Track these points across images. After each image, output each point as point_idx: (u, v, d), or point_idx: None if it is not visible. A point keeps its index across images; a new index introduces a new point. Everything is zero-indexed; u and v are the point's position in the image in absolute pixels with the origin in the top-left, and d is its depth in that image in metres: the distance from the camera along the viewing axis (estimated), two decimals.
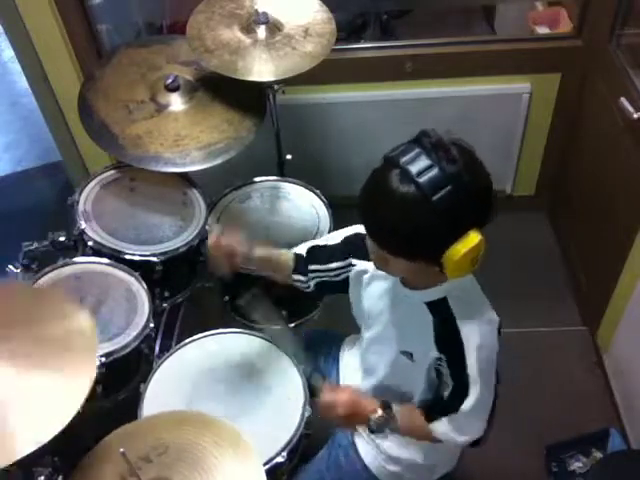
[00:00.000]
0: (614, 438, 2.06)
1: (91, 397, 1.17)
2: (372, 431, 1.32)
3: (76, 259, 1.77)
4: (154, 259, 1.78)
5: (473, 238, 1.05)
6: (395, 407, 1.33)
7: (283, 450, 1.45)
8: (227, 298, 1.98)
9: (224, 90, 1.93)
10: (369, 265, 1.33)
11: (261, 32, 1.86)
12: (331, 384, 1.45)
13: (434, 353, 1.23)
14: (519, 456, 2.06)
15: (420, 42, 2.43)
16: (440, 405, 1.29)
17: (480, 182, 1.07)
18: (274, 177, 2.13)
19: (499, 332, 1.24)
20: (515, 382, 2.14)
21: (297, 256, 1.49)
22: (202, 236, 1.89)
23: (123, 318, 1.67)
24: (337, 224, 1.96)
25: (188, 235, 1.87)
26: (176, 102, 1.91)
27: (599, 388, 2.27)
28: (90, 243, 1.77)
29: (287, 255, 1.50)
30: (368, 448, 1.49)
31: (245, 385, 1.58)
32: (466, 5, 3.01)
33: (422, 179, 1.01)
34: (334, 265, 1.44)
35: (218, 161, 1.82)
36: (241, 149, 1.84)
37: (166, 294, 1.90)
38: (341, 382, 1.62)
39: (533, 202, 2.85)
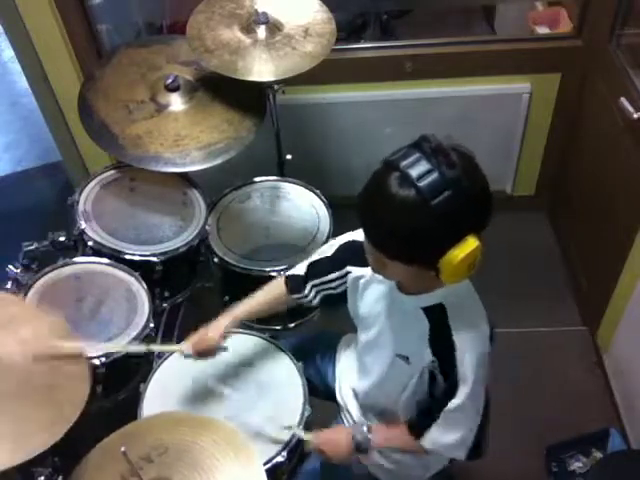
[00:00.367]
0: (614, 438, 2.06)
1: (91, 397, 1.17)
2: (358, 450, 1.38)
3: (76, 259, 1.77)
4: (154, 259, 1.78)
5: (471, 243, 1.05)
6: (372, 424, 1.39)
7: (283, 450, 1.45)
8: (227, 298, 1.98)
9: (224, 90, 1.93)
10: (365, 271, 1.34)
11: (261, 32, 1.86)
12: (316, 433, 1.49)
13: (429, 356, 1.24)
14: (519, 456, 2.06)
15: (420, 42, 2.43)
16: (424, 413, 1.31)
17: (479, 187, 1.07)
18: (274, 177, 2.13)
19: (492, 339, 1.25)
20: (515, 382, 2.15)
21: (288, 278, 1.52)
22: (202, 236, 1.89)
23: (123, 318, 1.67)
24: (337, 224, 1.96)
25: (188, 235, 1.87)
26: (176, 102, 1.91)
27: (599, 388, 2.27)
28: (90, 243, 1.77)
29: (275, 285, 1.54)
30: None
31: (245, 385, 1.58)
32: (466, 5, 3.01)
33: (422, 183, 1.01)
34: (333, 276, 1.44)
35: (218, 161, 1.82)
36: (241, 149, 1.85)
37: (166, 294, 1.90)
38: (337, 382, 1.62)
39: (533, 202, 2.85)
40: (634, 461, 1.88)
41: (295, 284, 1.50)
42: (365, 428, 1.38)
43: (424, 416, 1.31)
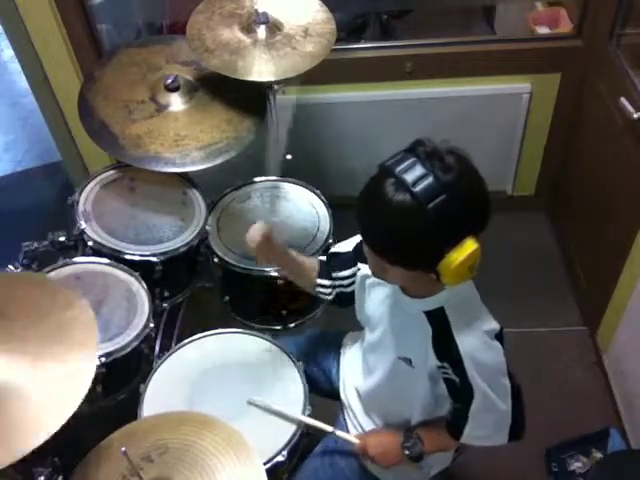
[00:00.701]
0: (614, 438, 2.06)
1: (91, 397, 1.17)
2: (412, 459, 1.37)
3: (76, 259, 1.77)
4: (154, 259, 1.78)
5: (469, 246, 1.06)
6: (418, 431, 1.37)
7: (283, 449, 1.45)
8: (227, 298, 1.98)
9: (224, 90, 1.93)
10: None
11: (261, 32, 1.85)
12: (359, 434, 1.49)
13: (434, 362, 1.23)
14: (519, 456, 2.05)
15: (420, 42, 2.43)
16: (454, 417, 1.32)
17: (475, 190, 1.07)
18: (274, 177, 2.13)
19: (501, 338, 1.25)
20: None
21: (321, 262, 1.52)
22: (202, 236, 1.89)
23: (123, 318, 1.67)
24: (337, 224, 1.96)
25: (188, 235, 1.87)
26: (176, 102, 1.91)
27: (599, 388, 2.27)
28: (90, 243, 1.77)
29: (313, 260, 1.53)
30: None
31: (245, 385, 1.58)
32: (466, 5, 3.01)
33: (417, 188, 1.02)
34: (347, 272, 1.45)
35: (218, 161, 1.82)
36: (241, 149, 1.85)
37: (166, 294, 1.90)
38: (341, 382, 1.63)
39: (533, 202, 2.85)
40: (634, 461, 1.88)
41: (325, 272, 1.50)
42: (415, 436, 1.37)
43: (456, 418, 1.31)
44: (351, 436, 1.46)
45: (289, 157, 2.20)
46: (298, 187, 2.10)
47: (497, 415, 1.26)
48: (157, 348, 1.82)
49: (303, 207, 2.05)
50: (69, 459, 1.31)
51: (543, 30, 2.64)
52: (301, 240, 1.94)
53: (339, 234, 1.68)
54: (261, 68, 1.79)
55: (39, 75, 2.37)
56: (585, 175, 2.47)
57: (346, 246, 1.47)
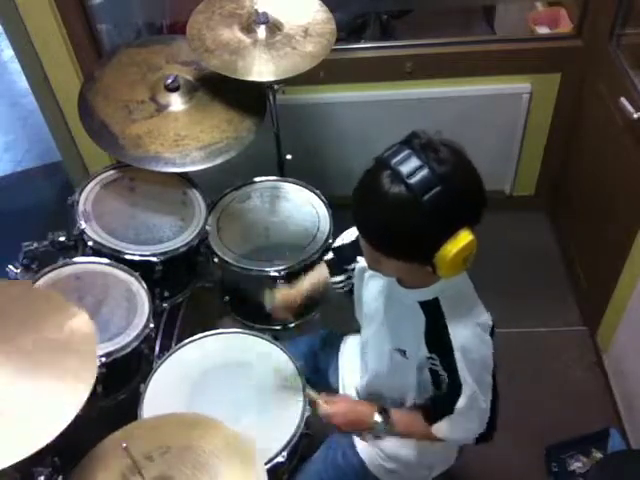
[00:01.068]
0: (614, 438, 2.06)
1: (91, 397, 1.17)
2: (375, 436, 1.38)
3: (76, 259, 1.77)
4: (154, 259, 1.78)
5: (464, 237, 1.06)
6: (392, 410, 1.36)
7: (283, 450, 1.45)
8: (227, 298, 1.98)
9: (224, 90, 1.93)
10: None
11: (261, 32, 1.86)
12: (327, 395, 1.48)
13: (424, 352, 1.23)
14: (519, 456, 2.06)
15: (420, 42, 2.43)
16: (437, 405, 1.31)
17: (470, 182, 1.08)
18: (274, 177, 2.13)
19: (492, 333, 1.25)
20: (515, 382, 2.14)
21: (329, 262, 1.53)
22: (202, 236, 1.89)
23: (123, 318, 1.67)
24: (337, 224, 1.96)
25: (188, 235, 1.87)
26: (176, 102, 1.91)
27: (599, 388, 2.27)
28: (90, 243, 1.77)
29: (322, 269, 1.54)
30: (366, 446, 1.50)
31: (245, 385, 1.58)
32: (466, 5, 3.01)
33: (412, 180, 1.02)
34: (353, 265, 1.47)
35: (218, 161, 1.82)
36: (241, 149, 1.85)
37: (166, 294, 1.90)
38: (340, 381, 1.63)
39: (533, 202, 2.85)
40: (634, 461, 1.88)
41: (337, 267, 1.50)
42: (387, 416, 1.37)
43: (437, 408, 1.31)
44: (320, 399, 1.45)
45: (289, 157, 2.21)
46: (298, 187, 2.10)
47: (477, 413, 1.26)
48: (157, 348, 1.82)
49: (303, 207, 2.05)
50: (69, 459, 1.31)
51: (543, 30, 2.64)
52: (301, 240, 1.94)
53: (339, 234, 1.68)
54: (261, 68, 1.80)
55: (39, 75, 2.37)
56: (585, 175, 2.47)
57: (348, 236, 1.48)
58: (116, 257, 1.77)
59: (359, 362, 1.54)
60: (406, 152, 1.05)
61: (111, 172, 1.97)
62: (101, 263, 1.76)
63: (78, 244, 1.83)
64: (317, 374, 1.68)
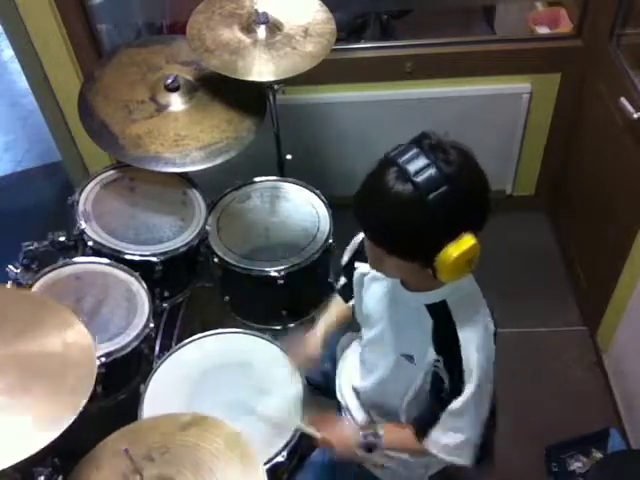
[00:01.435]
0: (614, 438, 2.06)
1: (91, 397, 1.17)
2: (366, 451, 1.36)
3: (76, 259, 1.77)
4: (154, 259, 1.78)
5: (467, 241, 1.06)
6: (380, 427, 1.37)
7: (283, 450, 1.45)
8: (227, 298, 1.99)
9: (224, 90, 1.93)
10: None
11: (261, 32, 1.85)
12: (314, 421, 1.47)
13: (432, 355, 1.23)
14: (519, 456, 2.06)
15: (420, 42, 2.43)
16: (428, 411, 1.30)
17: (476, 185, 1.08)
18: (274, 177, 2.13)
19: (494, 341, 1.25)
20: (515, 382, 2.15)
21: (340, 290, 1.57)
22: (202, 236, 1.89)
23: (123, 318, 1.67)
24: (337, 224, 1.96)
25: (188, 235, 1.87)
26: (176, 102, 1.91)
27: (599, 388, 2.27)
28: (90, 243, 1.77)
29: (335, 301, 1.58)
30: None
31: (245, 385, 1.58)
32: (466, 5, 3.01)
33: (419, 178, 1.02)
34: None
35: (218, 161, 1.82)
36: (241, 149, 1.84)
37: (166, 294, 1.90)
38: (337, 380, 1.62)
39: (533, 202, 2.85)
40: (634, 461, 1.88)
41: (347, 293, 1.53)
42: (377, 429, 1.36)
43: (427, 417, 1.30)
44: (314, 432, 1.43)
45: (289, 157, 2.20)
46: (298, 187, 2.10)
47: (471, 421, 1.24)
48: (157, 348, 1.82)
49: (303, 207, 2.05)
50: (69, 459, 1.31)
51: (543, 30, 2.64)
52: (301, 240, 1.94)
53: (339, 234, 1.68)
54: (261, 68, 1.79)
55: (39, 75, 2.37)
56: (585, 175, 2.47)
57: (350, 253, 1.49)
58: (116, 257, 1.77)
59: (358, 362, 1.54)
60: (415, 151, 1.05)
61: (111, 172, 1.97)
62: (101, 263, 1.76)
63: (78, 244, 1.83)
64: (316, 372, 1.68)
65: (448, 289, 1.20)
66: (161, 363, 1.64)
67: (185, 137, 1.84)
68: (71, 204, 1.85)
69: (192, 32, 1.86)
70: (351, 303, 1.53)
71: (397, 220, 1.06)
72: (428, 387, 1.28)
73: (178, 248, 1.82)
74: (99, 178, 1.96)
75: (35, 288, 1.67)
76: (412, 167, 1.03)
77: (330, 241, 1.93)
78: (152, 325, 1.68)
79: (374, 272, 1.33)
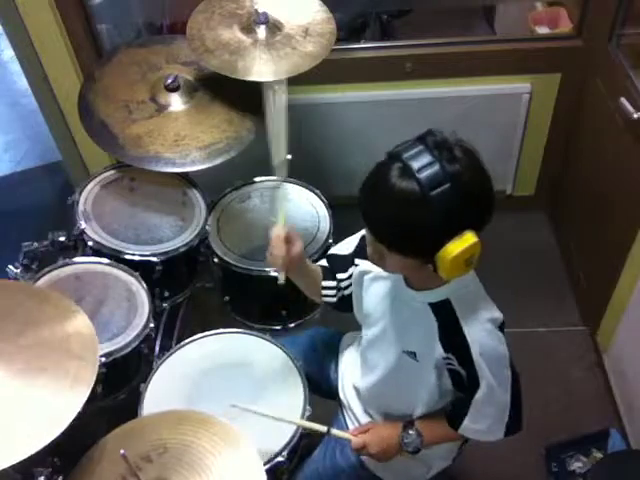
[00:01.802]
0: (614, 438, 2.06)
1: (91, 397, 1.17)
2: (412, 453, 1.37)
3: (76, 259, 1.77)
4: (154, 259, 1.78)
5: (468, 239, 1.06)
6: (417, 422, 1.37)
7: (283, 450, 1.46)
8: (227, 298, 1.99)
9: (224, 90, 1.93)
10: (371, 266, 1.33)
11: (261, 32, 1.85)
12: (355, 429, 1.47)
13: (440, 353, 1.23)
14: (519, 456, 2.06)
15: (420, 42, 2.43)
16: (457, 406, 1.31)
17: (479, 184, 1.08)
18: (274, 177, 2.13)
19: (502, 329, 1.25)
20: None
21: (323, 266, 1.52)
22: (202, 236, 1.89)
23: (123, 318, 1.68)
24: (337, 224, 1.96)
25: (188, 235, 1.87)
26: (176, 102, 1.91)
27: (599, 388, 2.27)
28: (90, 243, 1.77)
29: (317, 267, 1.52)
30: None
31: (245, 385, 1.58)
32: (466, 5, 3.00)
33: (422, 175, 1.03)
34: (345, 275, 1.46)
35: (218, 161, 1.82)
36: (241, 149, 1.85)
37: (166, 294, 1.90)
38: (339, 380, 1.62)
39: (533, 202, 2.85)
40: (634, 461, 1.88)
41: (329, 275, 1.50)
42: (414, 428, 1.36)
43: (457, 408, 1.31)
44: (348, 434, 1.44)
45: (289, 157, 2.20)
46: (298, 187, 2.10)
47: (497, 407, 1.27)
48: (157, 348, 1.82)
49: (303, 207, 2.05)
50: (69, 459, 1.31)
51: (543, 30, 2.64)
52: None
53: (339, 234, 1.68)
54: (261, 68, 1.79)
55: (39, 75, 2.37)
56: (585, 175, 2.47)
57: (344, 248, 1.48)
58: (116, 257, 1.77)
59: (359, 361, 1.54)
60: (419, 148, 1.06)
61: (111, 172, 1.97)
62: (101, 263, 1.76)
63: (78, 244, 1.83)
64: (317, 371, 1.68)
65: (451, 287, 1.21)
66: (161, 363, 1.64)
67: (185, 137, 1.84)
68: (71, 204, 1.85)
69: (192, 32, 1.86)
70: (324, 283, 1.48)
71: (399, 216, 1.07)
72: (449, 384, 1.29)
73: (178, 248, 1.82)
74: (99, 178, 1.96)
75: None
76: (416, 164, 1.04)
77: (330, 241, 1.93)
78: (152, 325, 1.68)
79: (375, 271, 1.34)
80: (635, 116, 1.93)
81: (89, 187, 1.92)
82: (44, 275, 1.70)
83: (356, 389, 1.55)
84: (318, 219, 2.01)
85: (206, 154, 1.82)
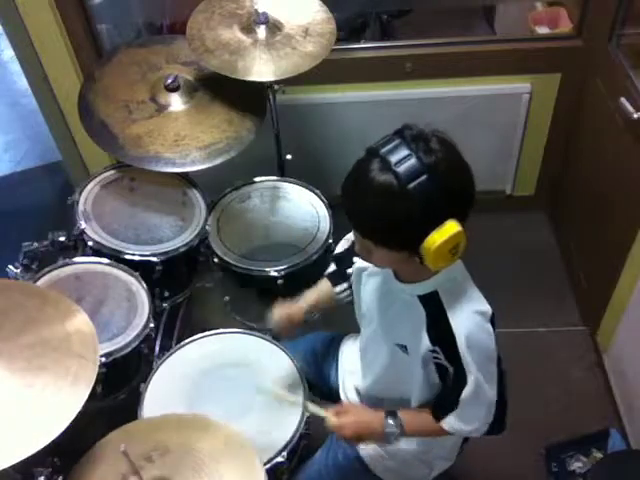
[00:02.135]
0: (614, 438, 2.06)
1: (91, 397, 1.17)
2: (388, 443, 1.35)
3: (76, 259, 1.77)
4: (154, 259, 1.78)
5: (450, 228, 1.07)
6: (400, 412, 1.35)
7: (283, 450, 1.45)
8: (227, 298, 1.98)
9: (224, 90, 1.93)
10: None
11: (261, 32, 1.86)
12: (334, 408, 1.43)
13: (427, 345, 1.23)
14: (519, 456, 2.06)
15: (420, 42, 2.43)
16: (442, 399, 1.30)
17: (457, 173, 1.10)
18: (274, 177, 2.13)
19: (493, 322, 1.24)
20: (515, 382, 2.14)
21: (330, 275, 1.55)
22: (202, 236, 1.89)
23: (123, 318, 1.68)
24: (337, 224, 1.96)
25: (188, 235, 1.87)
26: (176, 102, 1.91)
27: (599, 388, 2.27)
28: (90, 243, 1.77)
29: (323, 284, 1.55)
30: (366, 445, 1.49)
31: (245, 385, 1.58)
32: (466, 5, 3.00)
33: (399, 168, 1.05)
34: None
35: (218, 161, 1.82)
36: (241, 149, 1.85)
37: (166, 294, 1.90)
38: (340, 382, 1.62)
39: (533, 202, 2.85)
40: (634, 461, 1.88)
41: (337, 277, 1.52)
42: (397, 417, 1.33)
43: (443, 402, 1.30)
44: (325, 412, 1.39)
45: (289, 157, 2.20)
46: (298, 187, 2.10)
47: (485, 405, 1.26)
48: (157, 348, 1.82)
49: (303, 207, 2.05)
50: (69, 459, 1.31)
51: (543, 30, 2.64)
52: (301, 240, 1.94)
53: (339, 234, 1.68)
54: (261, 68, 1.80)
55: (39, 75, 2.37)
56: (585, 175, 2.47)
57: (345, 243, 1.50)
58: (116, 257, 1.77)
59: (359, 362, 1.54)
60: (396, 142, 1.09)
61: (111, 172, 1.97)
62: (101, 263, 1.76)
63: (78, 244, 1.83)
64: (317, 374, 1.68)
65: (438, 279, 1.21)
66: (161, 363, 1.64)
67: (185, 137, 1.84)
68: (71, 204, 1.85)
69: (192, 32, 1.86)
70: (338, 288, 1.52)
71: (380, 210, 1.08)
72: (436, 378, 1.28)
73: (178, 248, 1.82)
74: (99, 178, 1.96)
75: None
76: (393, 158, 1.06)
77: (330, 241, 1.93)
78: (152, 325, 1.69)
79: (372, 267, 1.34)
80: (635, 116, 1.93)
81: (89, 187, 1.92)
82: (44, 275, 1.70)
83: (357, 391, 1.56)
84: (318, 219, 2.01)
85: (206, 154, 1.82)
